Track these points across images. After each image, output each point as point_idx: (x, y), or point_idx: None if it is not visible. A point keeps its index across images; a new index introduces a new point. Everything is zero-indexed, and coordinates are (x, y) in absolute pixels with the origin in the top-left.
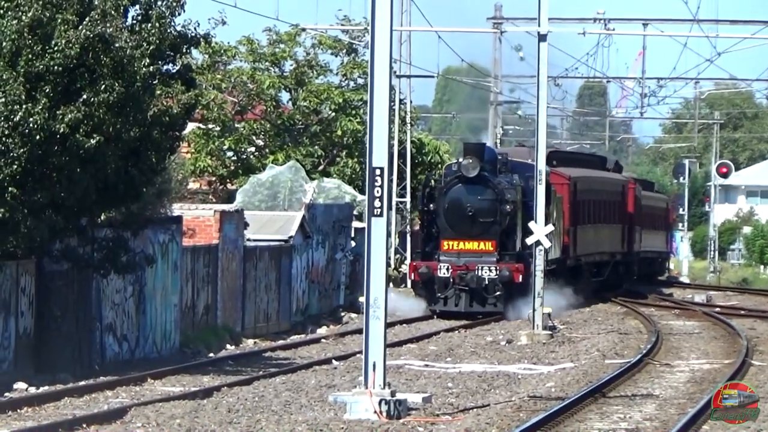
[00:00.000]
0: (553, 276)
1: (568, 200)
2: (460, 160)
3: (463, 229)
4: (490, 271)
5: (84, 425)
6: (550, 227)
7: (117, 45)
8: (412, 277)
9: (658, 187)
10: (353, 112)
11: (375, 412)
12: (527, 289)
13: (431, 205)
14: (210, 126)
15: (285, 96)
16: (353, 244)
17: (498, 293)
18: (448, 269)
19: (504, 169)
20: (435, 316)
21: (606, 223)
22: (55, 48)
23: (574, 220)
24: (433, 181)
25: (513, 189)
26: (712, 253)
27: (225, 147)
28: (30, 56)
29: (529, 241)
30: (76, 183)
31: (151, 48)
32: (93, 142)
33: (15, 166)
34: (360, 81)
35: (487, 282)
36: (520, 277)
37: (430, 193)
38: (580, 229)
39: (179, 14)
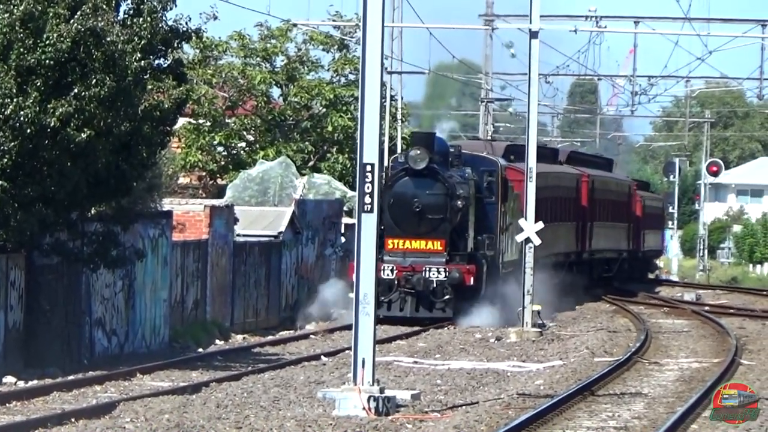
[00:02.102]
0: (511, 279)
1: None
2: (408, 151)
3: (409, 227)
4: (439, 272)
5: (73, 419)
6: (540, 224)
7: (108, 39)
8: (353, 279)
9: (623, 177)
10: (344, 108)
11: (363, 408)
12: (479, 292)
13: None
14: (201, 121)
15: (276, 91)
16: (343, 240)
17: (447, 297)
18: (392, 270)
19: (456, 163)
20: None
21: (562, 221)
22: (47, 42)
23: None
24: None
25: (465, 183)
26: (701, 251)
27: (215, 142)
28: (21, 50)
29: (519, 238)
30: (66, 177)
31: (142, 42)
32: (84, 136)
33: (5, 160)
34: (351, 77)
35: (435, 285)
36: (472, 279)
37: None
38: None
39: (171, 9)
